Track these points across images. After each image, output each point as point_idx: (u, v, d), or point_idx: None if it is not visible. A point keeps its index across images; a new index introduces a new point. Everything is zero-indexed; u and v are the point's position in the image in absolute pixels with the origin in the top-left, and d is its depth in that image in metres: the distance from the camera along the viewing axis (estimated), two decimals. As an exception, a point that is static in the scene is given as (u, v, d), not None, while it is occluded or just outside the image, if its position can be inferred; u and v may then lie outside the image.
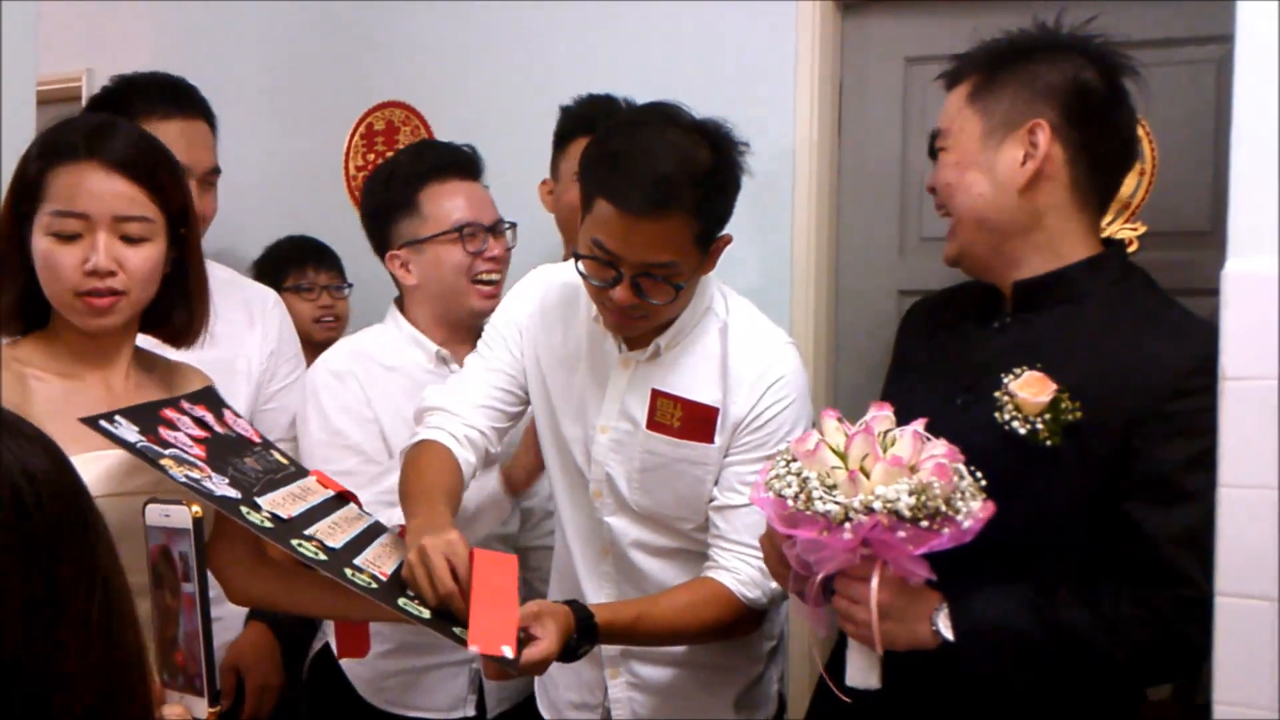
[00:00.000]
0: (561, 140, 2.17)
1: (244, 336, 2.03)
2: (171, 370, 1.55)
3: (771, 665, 1.79)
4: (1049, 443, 1.27)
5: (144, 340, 1.52)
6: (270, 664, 1.98)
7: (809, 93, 2.35)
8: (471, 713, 1.95)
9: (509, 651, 1.30)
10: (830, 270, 2.42)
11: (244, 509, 1.28)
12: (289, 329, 2.13)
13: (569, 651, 1.44)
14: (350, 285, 2.62)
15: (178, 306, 1.48)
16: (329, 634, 1.95)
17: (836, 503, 1.20)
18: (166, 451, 1.28)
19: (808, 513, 1.21)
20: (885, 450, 1.23)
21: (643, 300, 1.50)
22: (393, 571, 1.41)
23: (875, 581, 1.26)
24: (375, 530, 1.51)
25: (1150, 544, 1.25)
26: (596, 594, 1.69)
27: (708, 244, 1.53)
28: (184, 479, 1.24)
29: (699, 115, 1.54)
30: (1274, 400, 1.19)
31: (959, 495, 1.21)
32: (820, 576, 1.29)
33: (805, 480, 1.22)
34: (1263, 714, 1.20)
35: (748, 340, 1.62)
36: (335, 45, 2.83)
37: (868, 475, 1.21)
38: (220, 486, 1.29)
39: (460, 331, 1.96)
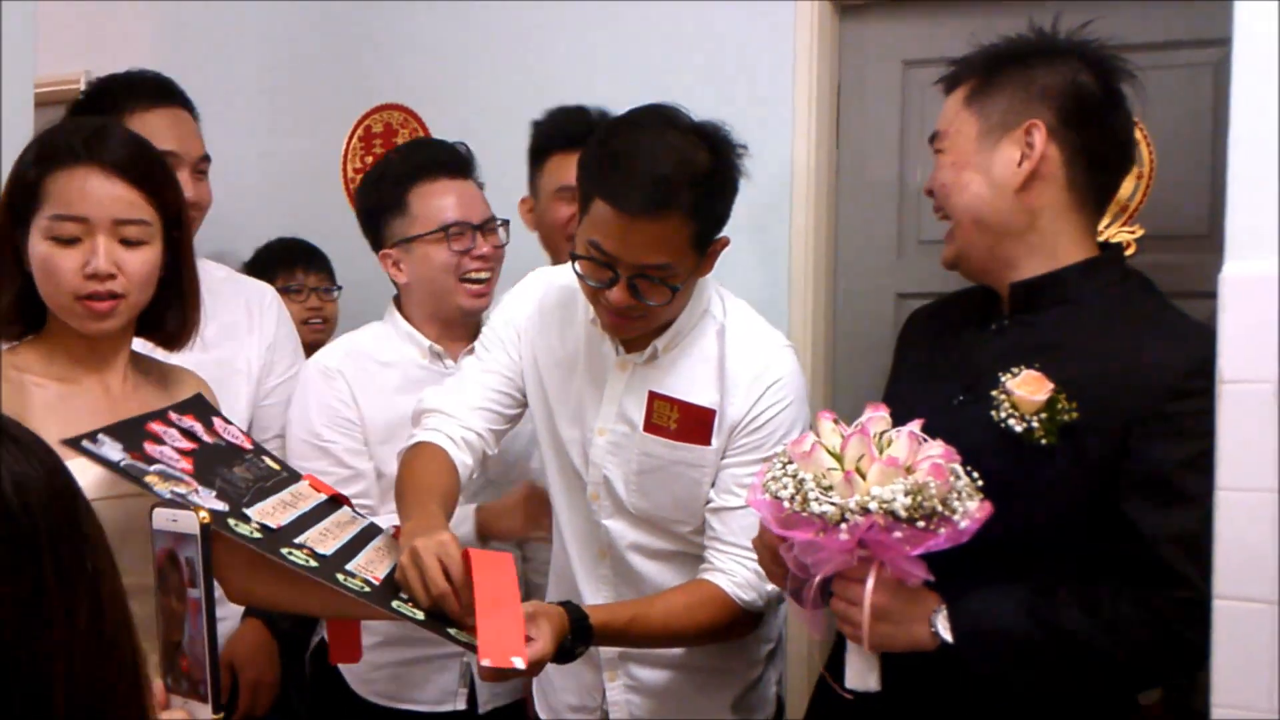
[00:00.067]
0: (537, 157, 2.15)
1: (244, 335, 2.04)
2: (168, 373, 1.55)
3: (769, 667, 1.79)
4: (1044, 441, 1.27)
5: (138, 344, 1.52)
6: (266, 660, 1.98)
7: (807, 95, 2.35)
8: (462, 706, 1.95)
9: (520, 663, 1.29)
10: (828, 272, 2.42)
11: (232, 521, 1.28)
12: (287, 324, 2.14)
13: (564, 652, 1.43)
14: (339, 287, 2.64)
15: (172, 309, 1.48)
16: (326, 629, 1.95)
17: (832, 504, 1.20)
18: (152, 468, 1.28)
19: (804, 514, 1.21)
20: (881, 451, 1.23)
21: (639, 301, 1.50)
22: (386, 575, 1.41)
23: (870, 583, 1.26)
24: (370, 533, 1.50)
25: (1148, 544, 1.25)
26: (594, 596, 1.69)
27: (705, 246, 1.53)
28: (169, 495, 1.23)
29: (698, 117, 1.54)
30: (1272, 403, 1.19)
31: (955, 495, 1.21)
32: (818, 579, 1.29)
33: (801, 482, 1.22)
34: (1261, 716, 1.20)
35: (745, 342, 1.62)
36: (334, 46, 2.84)
37: (864, 476, 1.21)
38: (208, 500, 1.29)
39: (454, 329, 1.97)
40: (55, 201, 1.37)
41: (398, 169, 1.97)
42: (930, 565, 1.25)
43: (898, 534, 1.19)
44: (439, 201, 1.91)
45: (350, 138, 2.84)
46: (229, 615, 1.93)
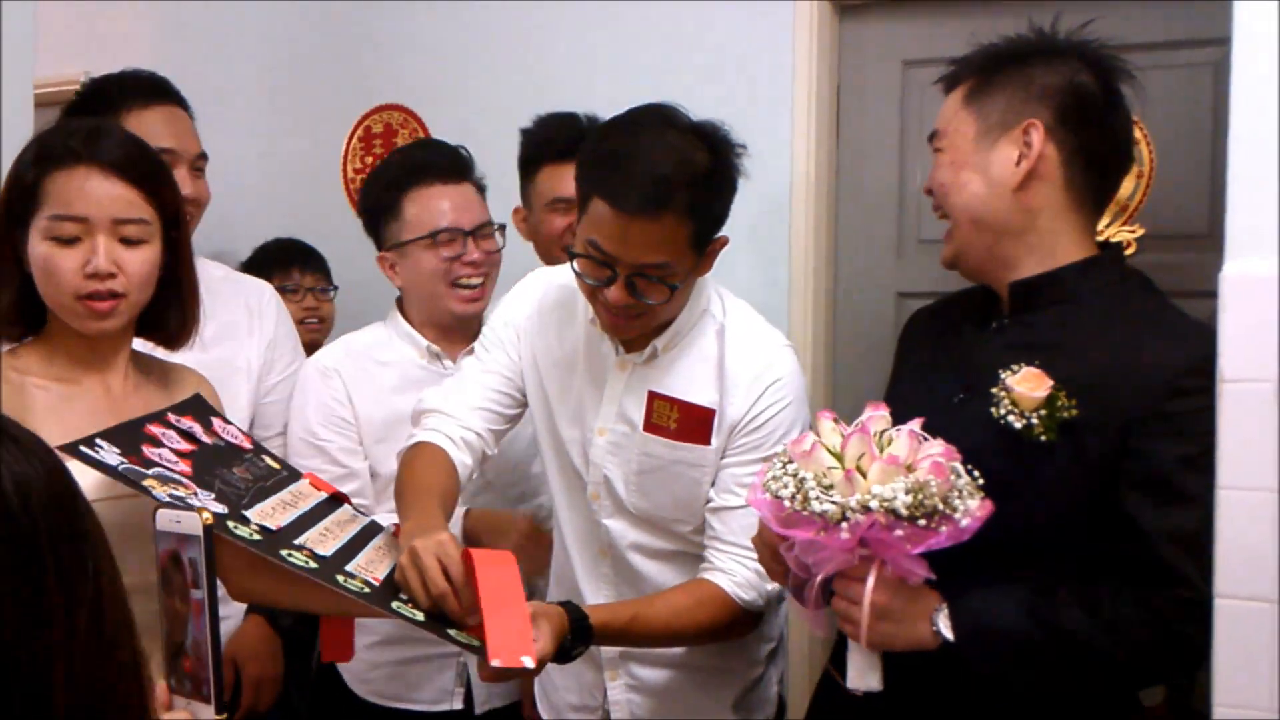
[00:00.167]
0: (527, 167, 2.14)
1: (243, 334, 2.04)
2: (169, 372, 1.55)
3: (771, 667, 1.79)
4: (1044, 438, 1.27)
5: (139, 344, 1.52)
6: (269, 657, 1.99)
7: (807, 95, 2.35)
8: (458, 706, 1.95)
9: (529, 661, 1.29)
10: (829, 272, 2.42)
11: (231, 524, 1.28)
12: (286, 322, 2.14)
13: (564, 653, 1.43)
14: (335, 287, 2.65)
15: (172, 309, 1.48)
16: None
17: (833, 502, 1.20)
18: (150, 471, 1.28)
19: (805, 513, 1.21)
20: (881, 450, 1.23)
21: (637, 300, 1.50)
22: (386, 575, 1.40)
23: (871, 581, 1.26)
24: (370, 531, 1.50)
25: (1148, 543, 1.25)
26: (594, 596, 1.69)
27: (703, 245, 1.53)
28: (168, 498, 1.23)
29: (697, 117, 1.54)
30: (1272, 402, 1.19)
31: (956, 494, 1.21)
32: (820, 578, 1.29)
33: (802, 481, 1.22)
34: (1262, 715, 1.20)
35: (745, 342, 1.62)
36: (334, 46, 2.84)
37: (864, 475, 1.21)
38: (206, 503, 1.28)
39: (451, 330, 1.98)
40: (54, 202, 1.37)
41: (393, 173, 1.98)
42: (930, 564, 1.25)
43: (899, 532, 1.19)
44: (430, 206, 1.92)
45: (350, 138, 2.84)
46: (232, 614, 1.94)
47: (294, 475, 1.52)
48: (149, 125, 1.90)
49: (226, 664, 1.94)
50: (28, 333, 1.44)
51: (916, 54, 2.33)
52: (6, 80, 1.80)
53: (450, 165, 1.96)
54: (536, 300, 1.73)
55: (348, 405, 1.93)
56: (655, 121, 1.52)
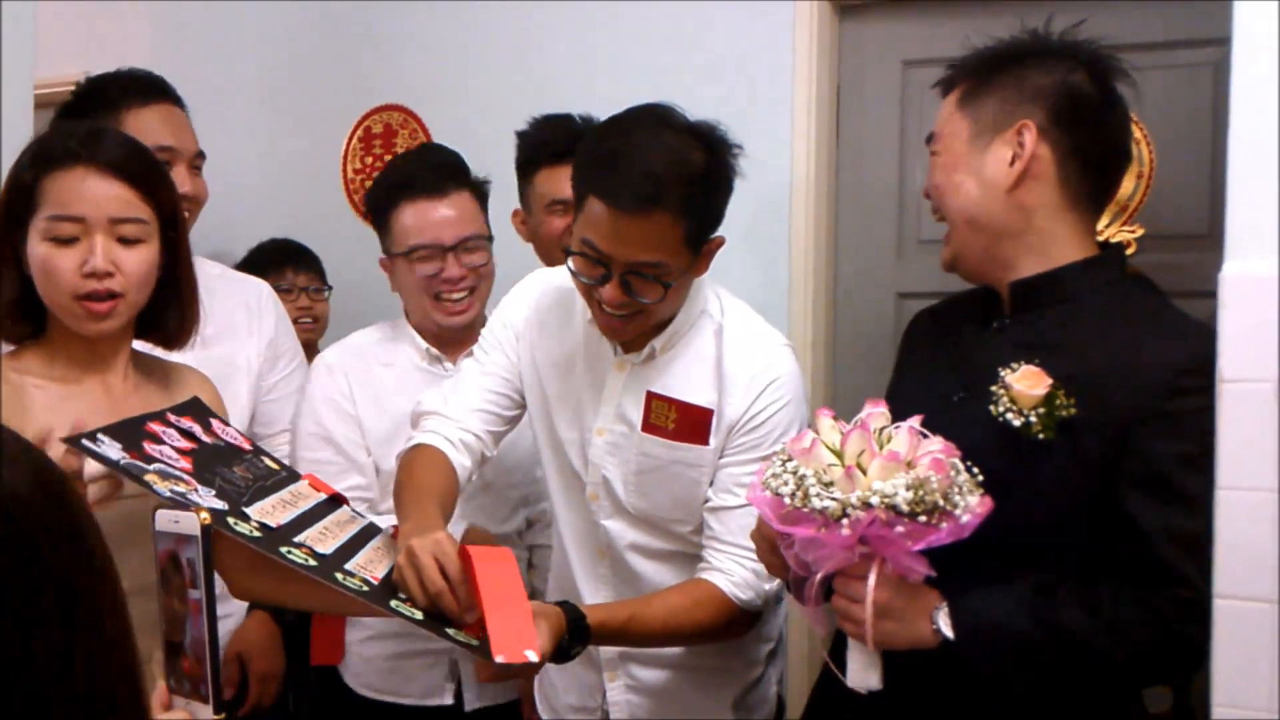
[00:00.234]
0: (525, 169, 2.15)
1: (243, 332, 2.05)
2: (170, 372, 1.55)
3: (770, 667, 1.79)
4: (1042, 436, 1.27)
5: (141, 344, 1.52)
6: (274, 652, 2.01)
7: (807, 95, 2.35)
8: (449, 701, 1.97)
9: (533, 655, 1.30)
10: (828, 272, 2.43)
11: (231, 520, 1.28)
12: (285, 320, 2.15)
13: (561, 652, 1.43)
14: (330, 287, 2.65)
15: (171, 309, 1.49)
16: None
17: (834, 499, 1.20)
18: (151, 466, 1.28)
19: (805, 510, 1.21)
20: (881, 446, 1.23)
21: (632, 299, 1.50)
22: (384, 575, 1.41)
23: (872, 579, 1.26)
24: (369, 532, 1.50)
25: (1148, 543, 1.25)
26: (593, 596, 1.69)
27: (698, 244, 1.53)
28: (169, 494, 1.24)
29: (696, 117, 1.54)
30: (1272, 402, 1.19)
31: (957, 490, 1.21)
32: (820, 576, 1.29)
33: (802, 478, 1.22)
34: (1262, 715, 1.20)
35: (743, 342, 1.62)
36: (334, 46, 2.84)
37: (864, 471, 1.21)
38: (207, 499, 1.29)
39: (448, 335, 2.00)
40: (52, 202, 1.37)
41: (383, 185, 2.01)
42: (930, 563, 1.25)
43: (899, 529, 1.19)
44: (410, 222, 1.94)
45: (350, 138, 2.84)
46: (233, 613, 1.95)
47: (293, 476, 1.53)
48: (147, 124, 1.91)
49: (233, 660, 1.97)
50: (30, 334, 1.45)
51: (916, 54, 2.33)
52: (6, 80, 1.81)
53: (436, 178, 1.95)
54: (534, 301, 1.73)
55: (352, 401, 1.96)
56: (652, 121, 1.52)
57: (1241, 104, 1.24)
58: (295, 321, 2.49)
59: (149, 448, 1.32)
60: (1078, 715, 1.35)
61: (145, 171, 1.41)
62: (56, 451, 1.24)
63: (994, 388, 1.31)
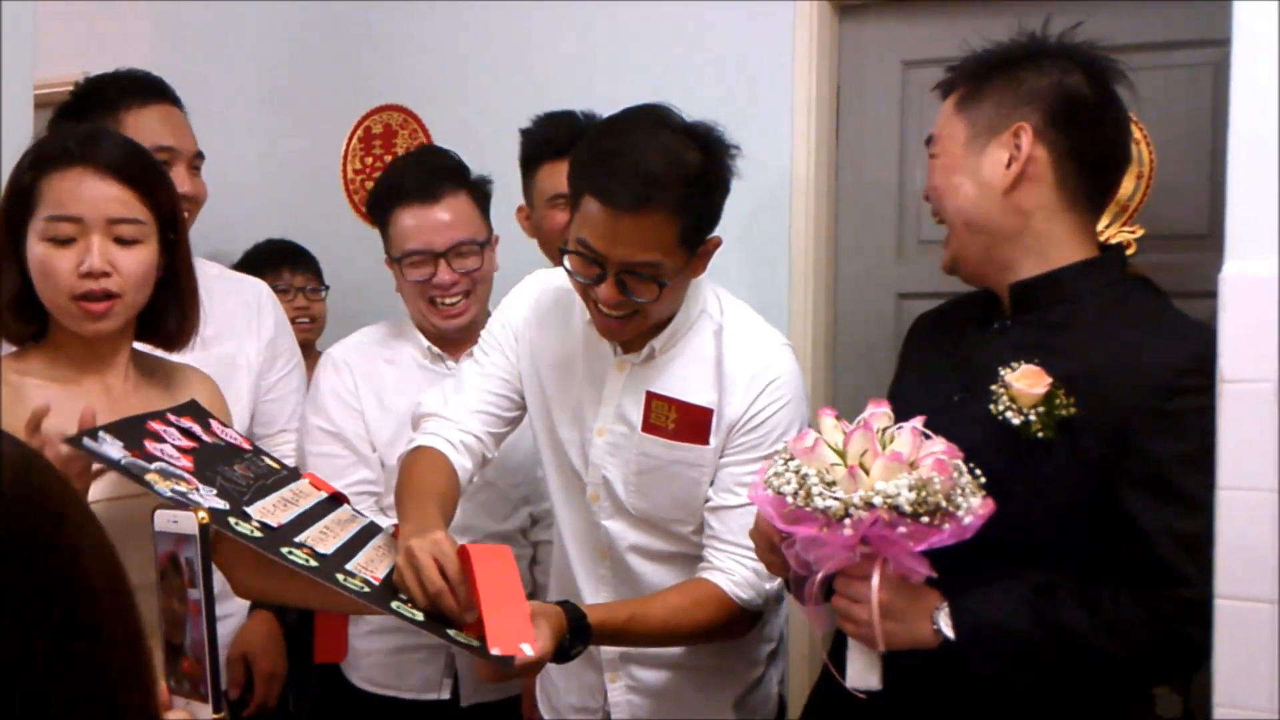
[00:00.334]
0: (528, 165, 2.16)
1: (243, 332, 2.05)
2: (173, 373, 1.55)
3: (771, 667, 1.79)
4: (1041, 435, 1.27)
5: (141, 346, 1.52)
6: (277, 652, 2.02)
7: (807, 95, 2.35)
8: (446, 696, 1.99)
9: (530, 650, 1.30)
10: (828, 273, 2.43)
11: (232, 520, 1.28)
12: (284, 320, 2.16)
13: (562, 652, 1.43)
14: (326, 287, 2.65)
15: (170, 311, 1.49)
16: None
17: (836, 499, 1.20)
18: (152, 465, 1.28)
19: (807, 509, 1.21)
20: (884, 446, 1.23)
21: (627, 298, 1.50)
22: (385, 575, 1.41)
23: (876, 579, 1.26)
24: (370, 532, 1.50)
25: (1148, 542, 1.25)
26: (594, 597, 1.69)
27: (694, 244, 1.53)
28: (170, 493, 1.23)
29: (696, 117, 1.54)
30: (1272, 402, 1.19)
31: (959, 491, 1.21)
32: (820, 576, 1.29)
33: (804, 477, 1.22)
34: (1262, 715, 1.20)
35: (743, 341, 1.62)
36: (334, 46, 2.84)
37: (867, 471, 1.21)
38: (208, 498, 1.29)
39: (447, 334, 2.01)
40: (50, 203, 1.38)
41: (379, 189, 2.03)
42: (930, 563, 1.25)
43: (901, 529, 1.19)
44: (402, 228, 1.96)
45: (350, 139, 2.84)
46: (234, 613, 1.95)
47: (294, 474, 1.52)
48: (146, 124, 1.91)
49: (238, 661, 1.98)
50: (32, 335, 1.45)
51: (916, 54, 2.33)
52: (6, 80, 1.81)
53: (430, 182, 1.96)
54: (534, 301, 1.73)
55: (357, 396, 1.99)
56: (649, 121, 1.52)
57: (1241, 104, 1.24)
58: (293, 322, 2.49)
59: (150, 446, 1.32)
60: (1082, 717, 1.35)
61: (143, 172, 1.42)
62: (57, 451, 1.24)
63: (994, 387, 1.31)
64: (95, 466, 1.27)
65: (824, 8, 2.35)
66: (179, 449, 1.36)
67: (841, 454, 1.24)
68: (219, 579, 1.40)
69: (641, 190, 1.44)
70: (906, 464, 1.21)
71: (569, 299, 1.68)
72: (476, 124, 2.61)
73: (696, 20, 2.45)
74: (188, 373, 1.57)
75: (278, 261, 2.60)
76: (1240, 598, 1.21)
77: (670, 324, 1.61)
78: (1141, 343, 1.30)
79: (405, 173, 2.01)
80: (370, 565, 1.41)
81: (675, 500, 1.63)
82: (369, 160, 2.81)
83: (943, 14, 2.30)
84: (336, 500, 1.52)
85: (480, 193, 2.02)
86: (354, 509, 1.55)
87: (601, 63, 2.52)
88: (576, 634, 1.45)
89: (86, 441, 1.25)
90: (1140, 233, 2.14)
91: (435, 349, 2.01)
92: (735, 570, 1.57)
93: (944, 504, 1.19)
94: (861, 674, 1.31)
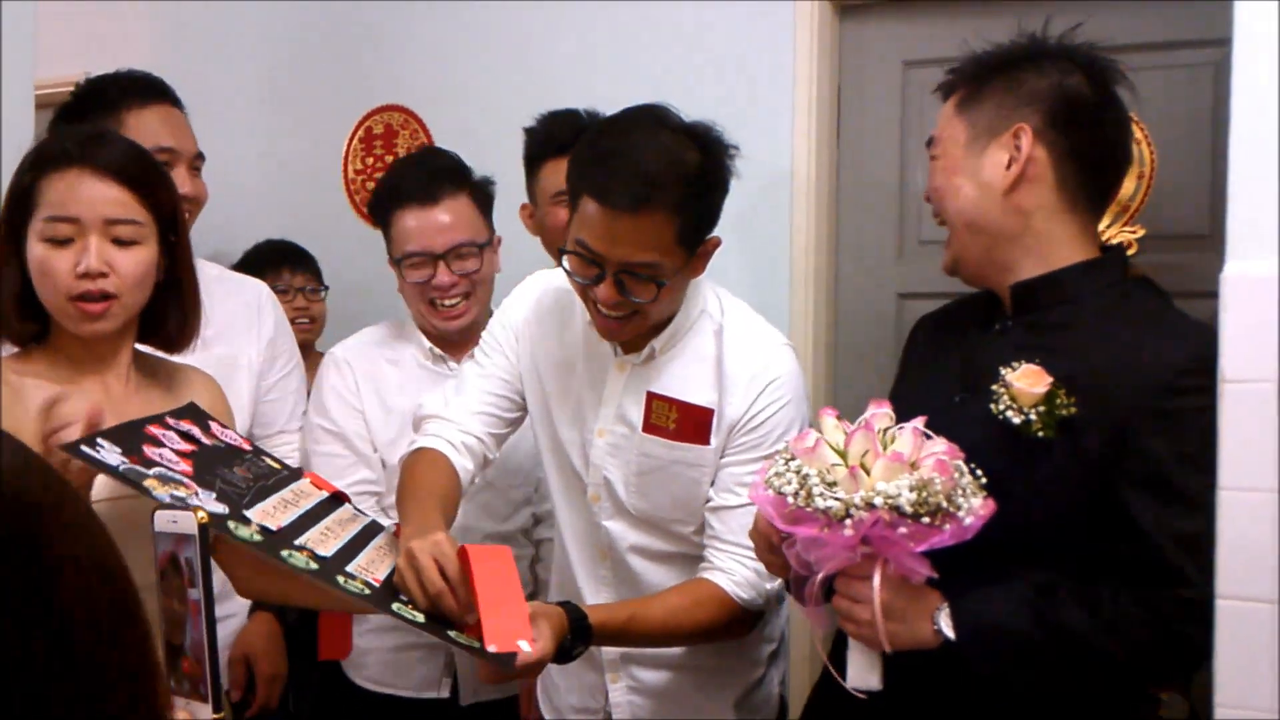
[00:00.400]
0: (532, 163, 2.16)
1: (244, 332, 2.05)
2: (175, 374, 1.55)
3: (772, 668, 1.79)
4: (1041, 434, 1.27)
5: (140, 347, 1.52)
6: (278, 654, 2.02)
7: (807, 95, 2.35)
8: (445, 694, 2.00)
9: (526, 646, 1.31)
10: (829, 273, 2.42)
11: (232, 524, 1.28)
12: (283, 321, 2.16)
13: (563, 652, 1.44)
14: (326, 287, 2.65)
15: (171, 313, 1.49)
16: None
17: (837, 499, 1.20)
18: (151, 471, 1.27)
19: (808, 509, 1.21)
20: (885, 447, 1.23)
21: (626, 298, 1.50)
22: (386, 576, 1.41)
23: (877, 580, 1.26)
24: (371, 531, 1.50)
25: (1149, 542, 1.25)
26: (595, 598, 1.68)
27: (693, 244, 1.52)
28: (169, 499, 1.23)
29: (696, 118, 1.54)
30: (1273, 402, 1.19)
31: (960, 492, 1.21)
32: (821, 576, 1.29)
33: (805, 477, 1.22)
34: (1263, 715, 1.20)
35: (743, 341, 1.62)
36: (334, 46, 2.84)
37: (868, 472, 1.21)
38: (207, 502, 1.28)
39: (448, 335, 2.01)
40: (48, 204, 1.38)
41: (380, 190, 2.05)
42: (931, 564, 1.25)
43: (902, 530, 1.19)
44: (402, 230, 1.97)
45: (351, 139, 2.84)
46: (234, 613, 1.95)
47: (295, 474, 1.52)
48: (148, 125, 1.91)
49: (239, 663, 1.98)
50: (33, 335, 1.45)
51: (917, 54, 2.33)
52: (6, 81, 1.81)
53: (429, 184, 1.96)
54: (534, 302, 1.73)
55: (358, 396, 2.00)
56: (647, 121, 1.52)
57: (1242, 104, 1.24)
58: (292, 322, 2.49)
59: (149, 451, 1.32)
60: (1079, 716, 1.35)
61: (142, 173, 1.42)
62: (57, 459, 1.24)
63: (994, 386, 1.31)
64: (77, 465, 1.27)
65: (824, 8, 2.35)
66: (178, 452, 1.36)
67: (842, 454, 1.24)
68: (220, 578, 1.40)
69: (639, 191, 1.44)
70: (907, 464, 1.21)
71: (569, 299, 1.68)
72: (477, 124, 2.61)
73: (697, 20, 2.45)
74: (190, 374, 1.57)
75: (277, 262, 2.60)
76: (1241, 598, 1.21)
77: (670, 324, 1.61)
78: (1142, 342, 1.30)
79: (405, 174, 2.02)
80: (371, 566, 1.41)
81: (676, 500, 1.63)
82: (370, 160, 2.81)
83: (943, 14, 2.30)
84: (338, 499, 1.52)
85: (482, 194, 2.02)
86: (355, 508, 1.55)
87: (602, 63, 2.52)
88: (578, 634, 1.45)
89: (84, 449, 1.24)
90: (1141, 233, 2.14)
91: (437, 350, 2.02)
92: (736, 570, 1.57)
93: (945, 504, 1.19)
94: (862, 674, 1.31)
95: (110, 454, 1.26)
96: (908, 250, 2.37)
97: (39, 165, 1.40)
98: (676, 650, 1.67)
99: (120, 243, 1.39)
